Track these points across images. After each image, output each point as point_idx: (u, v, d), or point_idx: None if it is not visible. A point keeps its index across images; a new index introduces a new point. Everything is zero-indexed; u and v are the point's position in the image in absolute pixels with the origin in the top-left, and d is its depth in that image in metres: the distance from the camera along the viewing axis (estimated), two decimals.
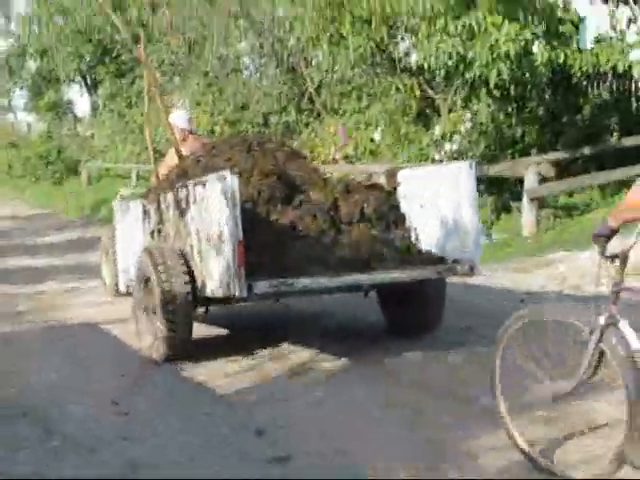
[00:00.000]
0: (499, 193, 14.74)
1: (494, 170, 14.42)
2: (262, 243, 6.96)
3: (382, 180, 8.45)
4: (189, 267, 7.20)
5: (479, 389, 5.65)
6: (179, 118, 9.98)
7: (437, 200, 7.62)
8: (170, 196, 7.71)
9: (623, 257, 4.22)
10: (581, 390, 4.49)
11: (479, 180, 14.60)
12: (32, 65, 32.06)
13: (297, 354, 7.60)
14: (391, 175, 8.27)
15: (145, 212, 8.49)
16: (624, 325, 4.27)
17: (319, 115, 19.04)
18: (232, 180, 6.51)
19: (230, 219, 6.49)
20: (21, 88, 34.72)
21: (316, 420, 5.77)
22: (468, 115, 15.64)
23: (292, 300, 9.14)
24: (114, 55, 28.42)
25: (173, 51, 22.84)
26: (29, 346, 8.33)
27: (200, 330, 8.75)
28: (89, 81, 31.50)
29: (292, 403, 6.18)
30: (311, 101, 19.25)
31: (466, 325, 8.18)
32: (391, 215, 7.89)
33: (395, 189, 8.09)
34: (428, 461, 4.88)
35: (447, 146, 15.47)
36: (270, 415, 5.88)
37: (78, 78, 31.69)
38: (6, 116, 40.25)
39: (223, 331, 8.85)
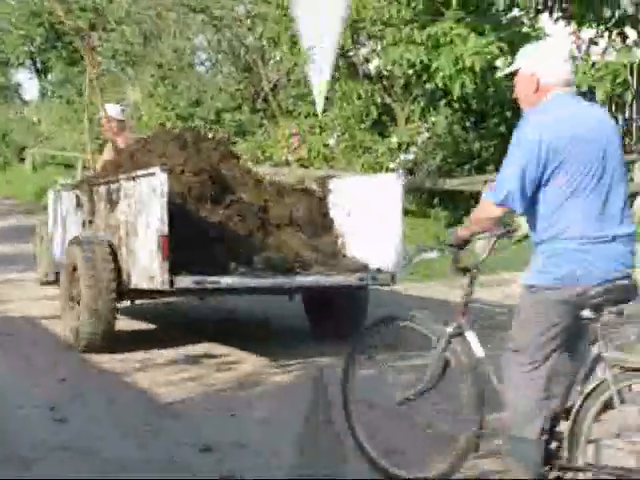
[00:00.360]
0: (454, 207, 14.60)
1: (451, 184, 14.30)
2: (189, 240, 7.07)
3: (314, 186, 8.54)
4: (116, 259, 7.37)
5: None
6: (113, 109, 9.77)
7: (365, 209, 7.85)
8: (102, 188, 7.90)
9: (474, 269, 4.35)
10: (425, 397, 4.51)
11: (435, 193, 14.60)
12: None
13: (244, 362, 7.36)
14: (323, 182, 8.52)
15: (78, 202, 8.54)
16: (470, 335, 4.37)
17: (274, 116, 18.73)
18: (161, 176, 6.68)
19: (157, 214, 6.69)
20: None
21: (266, 435, 5.50)
22: (425, 126, 15.51)
23: (233, 301, 9.13)
24: (67, 41, 27.83)
25: (128, 41, 22.33)
26: None
27: (140, 328, 8.53)
28: (39, 65, 30.78)
29: (240, 416, 5.90)
30: (266, 101, 18.97)
31: None
32: (319, 221, 8.16)
33: (326, 196, 8.36)
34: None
35: (402, 156, 15.32)
36: (218, 429, 5.59)
37: (28, 62, 30.96)
38: None
39: (167, 335, 8.57)
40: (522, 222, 4.25)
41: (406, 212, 8.15)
